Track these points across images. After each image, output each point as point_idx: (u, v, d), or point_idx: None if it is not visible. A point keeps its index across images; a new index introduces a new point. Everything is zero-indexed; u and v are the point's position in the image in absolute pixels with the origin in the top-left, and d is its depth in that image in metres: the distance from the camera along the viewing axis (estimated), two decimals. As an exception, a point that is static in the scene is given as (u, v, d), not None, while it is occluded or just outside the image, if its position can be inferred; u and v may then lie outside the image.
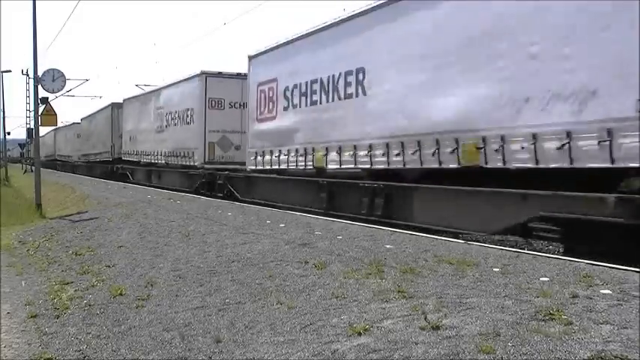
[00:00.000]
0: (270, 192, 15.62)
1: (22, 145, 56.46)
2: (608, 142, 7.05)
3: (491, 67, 8.73)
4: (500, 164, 8.54)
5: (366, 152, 11.45)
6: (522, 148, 8.16)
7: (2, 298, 6.66)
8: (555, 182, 7.92)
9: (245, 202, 15.78)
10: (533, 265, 5.89)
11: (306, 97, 13.65)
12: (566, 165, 7.59)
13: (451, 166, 9.39)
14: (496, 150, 8.55)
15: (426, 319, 4.30)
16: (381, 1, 11.26)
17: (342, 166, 12.32)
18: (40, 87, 17.54)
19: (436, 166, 9.68)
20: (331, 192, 13.01)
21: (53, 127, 45.24)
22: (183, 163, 21.35)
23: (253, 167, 16.22)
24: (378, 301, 4.91)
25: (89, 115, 39.70)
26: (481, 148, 8.78)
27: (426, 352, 3.76)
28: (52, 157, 58.23)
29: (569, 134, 7.53)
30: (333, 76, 12.55)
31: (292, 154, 14.18)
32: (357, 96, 11.82)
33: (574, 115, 7.51)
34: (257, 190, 16.42)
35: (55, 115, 19.10)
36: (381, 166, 11.11)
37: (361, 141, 11.62)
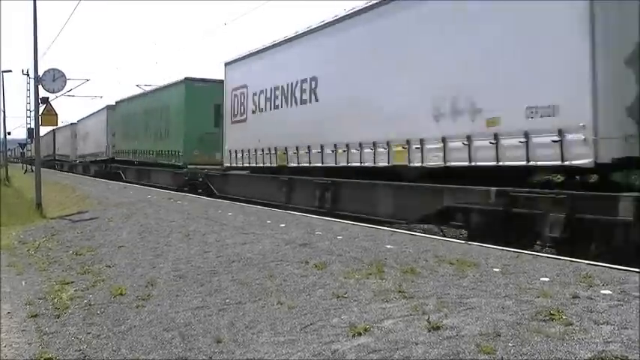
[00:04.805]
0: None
1: (22, 144, 55.50)
2: None
3: None
4: None
5: None
6: None
7: (2, 297, 6.66)
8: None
9: (242, 201, 15.71)
10: (533, 266, 5.88)
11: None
12: None
13: None
14: None
15: (427, 319, 4.30)
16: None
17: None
18: (40, 87, 17.56)
19: None
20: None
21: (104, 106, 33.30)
22: None
23: None
24: (378, 301, 4.91)
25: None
26: None
27: (427, 353, 3.76)
28: (103, 155, 33.48)
29: None
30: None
31: None
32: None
33: None
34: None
35: (56, 114, 19.21)
36: None
37: None
